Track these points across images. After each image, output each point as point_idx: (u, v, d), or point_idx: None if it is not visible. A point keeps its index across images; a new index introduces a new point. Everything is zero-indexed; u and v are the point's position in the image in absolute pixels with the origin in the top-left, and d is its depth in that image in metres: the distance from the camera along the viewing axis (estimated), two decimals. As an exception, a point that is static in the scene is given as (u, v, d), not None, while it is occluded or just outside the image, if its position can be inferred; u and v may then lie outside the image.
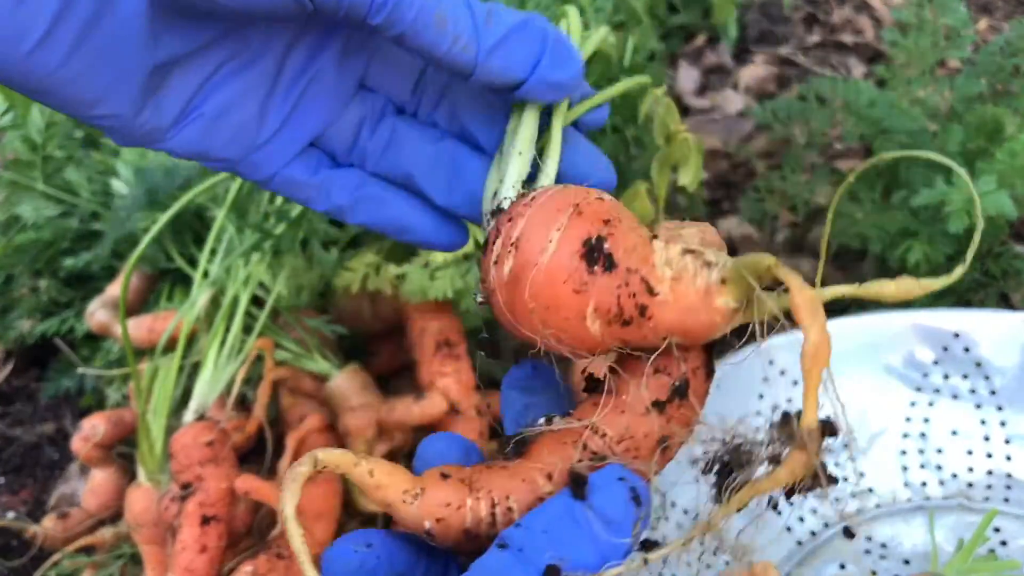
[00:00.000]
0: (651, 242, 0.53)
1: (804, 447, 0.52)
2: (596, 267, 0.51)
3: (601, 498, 0.52)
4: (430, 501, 0.52)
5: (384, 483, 0.51)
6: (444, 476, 0.53)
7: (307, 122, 0.61)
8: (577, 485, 0.52)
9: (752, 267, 0.52)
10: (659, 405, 0.55)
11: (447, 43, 0.54)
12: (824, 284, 0.55)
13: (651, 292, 0.52)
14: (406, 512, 0.52)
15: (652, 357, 0.54)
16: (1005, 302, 1.27)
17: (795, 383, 1.06)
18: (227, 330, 1.00)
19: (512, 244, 0.52)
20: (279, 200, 1.04)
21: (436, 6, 0.53)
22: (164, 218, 0.99)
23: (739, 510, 0.53)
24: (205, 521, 0.90)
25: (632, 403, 0.55)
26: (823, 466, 0.56)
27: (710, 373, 0.57)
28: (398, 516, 0.52)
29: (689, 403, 0.56)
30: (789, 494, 0.57)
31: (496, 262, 0.52)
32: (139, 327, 1.09)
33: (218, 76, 0.57)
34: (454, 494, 0.52)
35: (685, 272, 0.52)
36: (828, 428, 0.55)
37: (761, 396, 1.05)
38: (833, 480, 0.58)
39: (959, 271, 0.51)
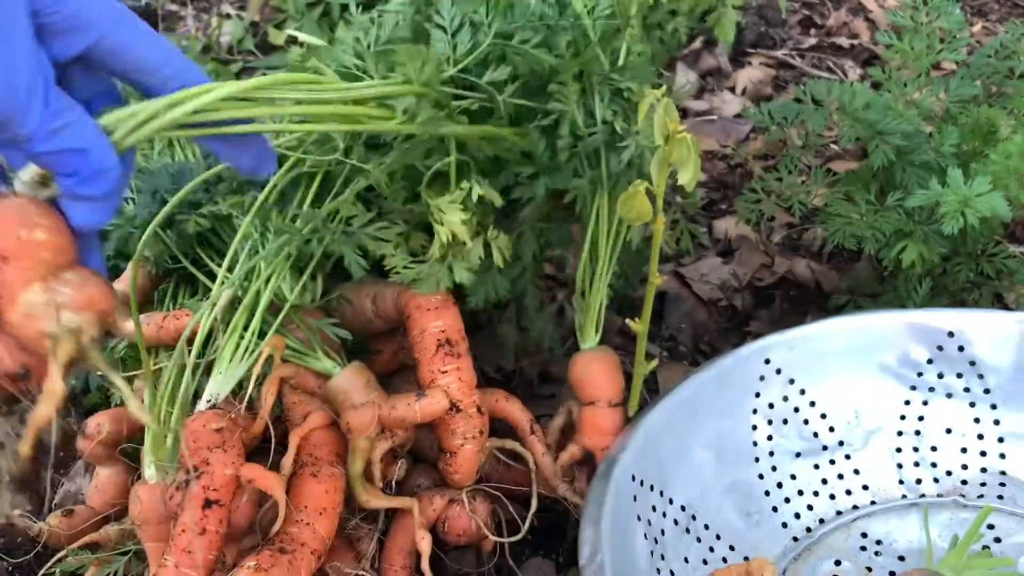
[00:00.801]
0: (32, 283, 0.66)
1: None
2: None
3: None
4: None
5: None
6: None
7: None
8: None
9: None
10: None
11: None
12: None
13: None
14: None
15: None
16: (999, 302, 1.28)
17: (791, 381, 1.07)
18: (245, 328, 1.01)
19: None
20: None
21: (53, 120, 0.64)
22: (160, 214, 1.01)
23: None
24: (207, 504, 0.90)
25: None
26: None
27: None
28: None
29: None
30: None
31: None
32: (148, 324, 1.10)
33: None
34: None
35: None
36: None
37: (758, 394, 1.06)
38: None
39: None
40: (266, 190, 1.03)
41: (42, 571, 1.06)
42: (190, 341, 1.03)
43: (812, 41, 2.17)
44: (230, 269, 1.05)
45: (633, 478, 0.95)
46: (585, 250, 1.09)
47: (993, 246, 1.25)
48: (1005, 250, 1.25)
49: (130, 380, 1.20)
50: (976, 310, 1.11)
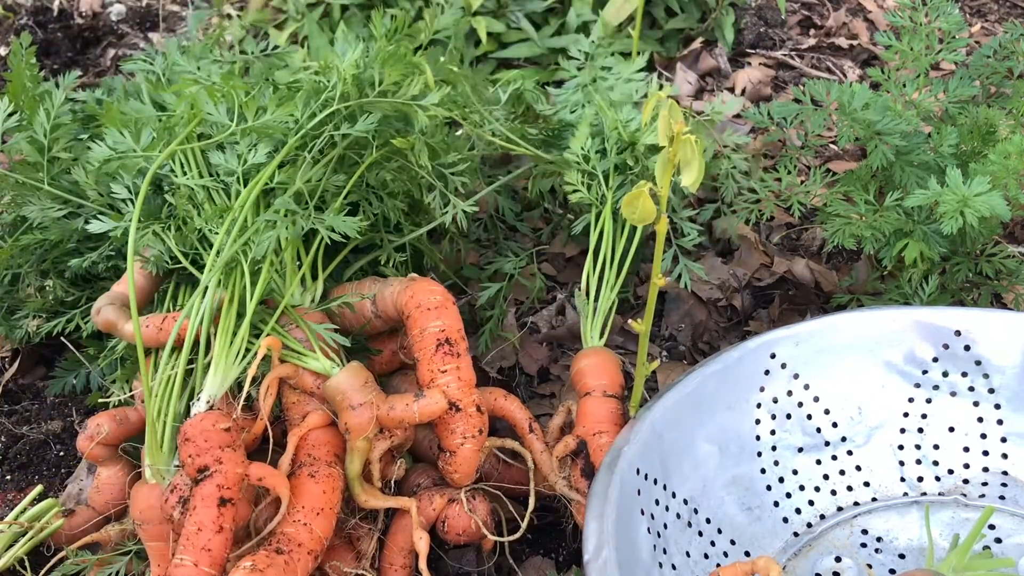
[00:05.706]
0: None
1: None
2: None
3: None
4: None
5: None
6: None
7: None
8: None
9: None
10: None
11: None
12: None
13: None
14: None
15: None
16: (998, 301, 1.29)
17: (796, 376, 1.07)
18: (236, 328, 1.01)
19: None
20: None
21: None
22: (149, 209, 1.01)
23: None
24: (223, 503, 0.90)
25: None
26: None
27: None
28: None
29: None
30: None
31: None
32: (148, 327, 1.10)
33: None
34: None
35: None
36: None
37: (762, 388, 1.06)
38: None
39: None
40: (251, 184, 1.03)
41: (43, 571, 1.06)
42: (180, 344, 1.03)
43: (811, 42, 2.17)
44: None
45: (637, 472, 0.94)
46: (589, 259, 1.09)
47: (992, 246, 1.26)
48: (1004, 250, 1.25)
49: (128, 381, 1.20)
50: (984, 309, 1.10)
